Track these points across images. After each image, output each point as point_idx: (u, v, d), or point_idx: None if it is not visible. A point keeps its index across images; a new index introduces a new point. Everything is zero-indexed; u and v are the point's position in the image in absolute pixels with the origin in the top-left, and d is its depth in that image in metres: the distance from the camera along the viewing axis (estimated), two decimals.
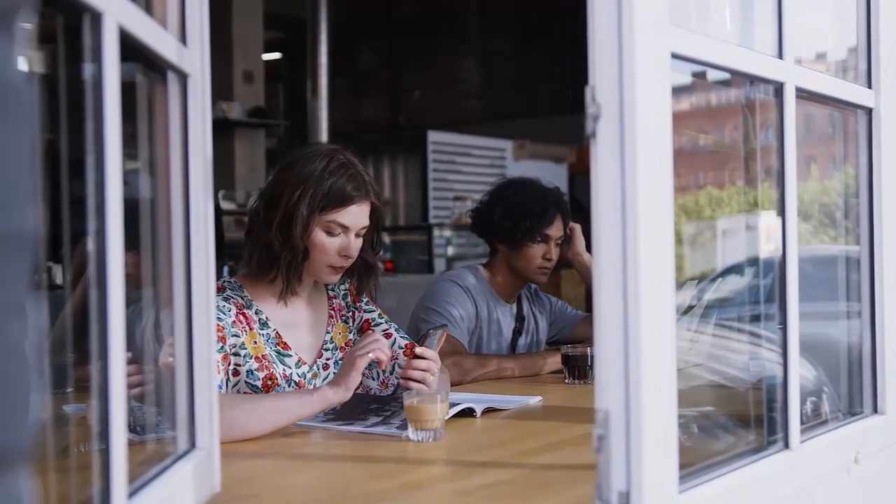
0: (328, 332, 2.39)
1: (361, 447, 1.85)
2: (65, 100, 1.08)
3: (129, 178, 1.13)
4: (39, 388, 0.58)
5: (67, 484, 1.20)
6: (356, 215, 2.25)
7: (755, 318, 2.00)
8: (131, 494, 1.11)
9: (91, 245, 1.05)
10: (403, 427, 1.93)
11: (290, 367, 2.26)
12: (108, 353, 1.03)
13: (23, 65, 0.58)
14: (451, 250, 7.70)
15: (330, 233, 2.23)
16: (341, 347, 2.40)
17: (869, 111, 1.84)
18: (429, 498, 1.54)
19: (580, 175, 8.33)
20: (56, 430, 1.32)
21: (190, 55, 1.39)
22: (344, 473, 1.71)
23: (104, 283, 1.03)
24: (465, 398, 2.25)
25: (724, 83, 1.77)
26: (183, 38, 1.38)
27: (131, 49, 1.13)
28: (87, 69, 1.04)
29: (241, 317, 2.20)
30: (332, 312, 2.42)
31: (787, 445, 1.54)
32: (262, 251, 2.24)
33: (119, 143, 1.05)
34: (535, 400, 2.39)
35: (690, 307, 2.22)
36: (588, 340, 3.00)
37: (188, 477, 1.32)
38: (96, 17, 1.01)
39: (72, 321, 1.86)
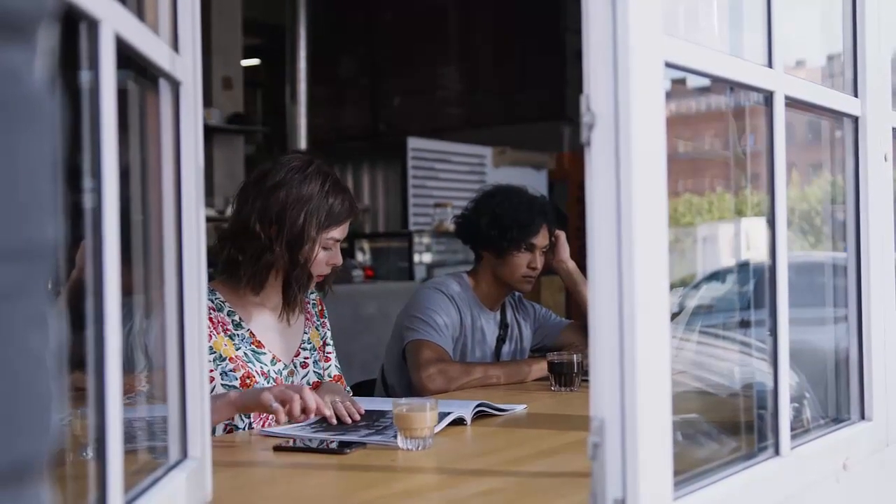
0: (305, 333, 2.46)
1: (351, 456, 1.84)
2: (59, 106, 1.07)
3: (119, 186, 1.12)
4: (59, 399, 0.58)
5: (61, 494, 1.18)
6: (346, 228, 2.37)
7: (739, 325, 2.01)
8: None
9: (81, 253, 1.04)
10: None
11: (266, 365, 2.31)
12: (104, 361, 1.02)
13: (44, 75, 0.57)
14: (431, 257, 7.70)
15: (325, 248, 2.33)
16: (318, 348, 2.48)
17: (855, 119, 1.85)
18: None
19: (559, 181, 8.36)
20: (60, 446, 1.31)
21: (182, 63, 1.38)
22: (335, 483, 1.70)
23: (100, 291, 1.02)
24: (453, 405, 2.25)
25: (703, 90, 1.78)
26: (175, 46, 1.37)
27: (124, 56, 1.13)
28: (84, 76, 1.03)
29: (208, 321, 2.22)
30: (308, 315, 2.49)
31: (777, 452, 1.54)
32: (265, 269, 2.29)
33: (115, 150, 1.04)
34: (521, 408, 2.39)
35: (674, 314, 2.23)
36: (572, 347, 3.00)
37: (181, 487, 1.31)
38: (93, 25, 1.01)
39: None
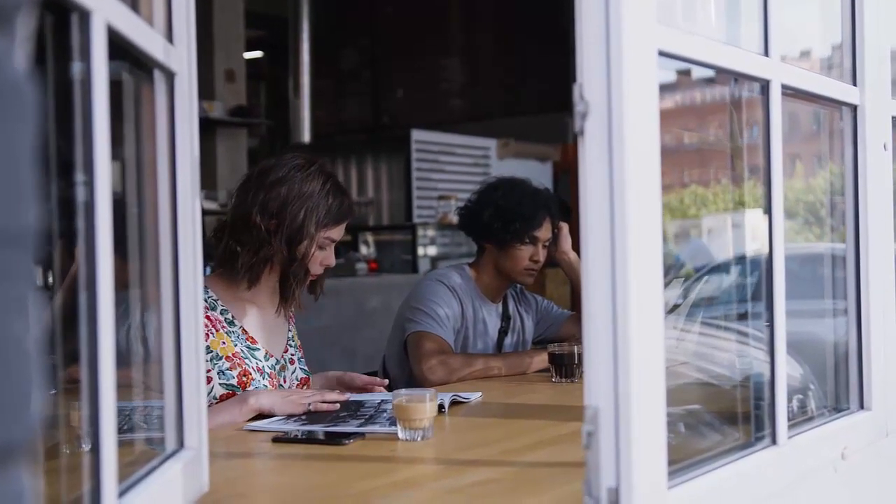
0: (290, 331, 2.50)
1: (350, 447, 1.85)
2: (51, 98, 1.07)
3: (113, 179, 1.12)
4: (40, 384, 0.58)
5: (56, 485, 1.19)
6: (343, 230, 2.40)
7: (741, 316, 2.01)
8: (121, 494, 1.10)
9: (77, 246, 1.04)
10: (393, 423, 1.93)
11: (260, 361, 2.34)
12: (97, 353, 1.02)
13: (23, 63, 0.58)
14: (435, 250, 7.70)
15: (321, 247, 2.35)
16: (299, 347, 2.53)
17: (854, 108, 1.85)
18: (419, 496, 1.54)
19: (564, 174, 8.35)
20: (42, 431, 1.32)
21: (177, 54, 1.38)
22: (332, 473, 1.70)
23: (93, 284, 1.02)
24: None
25: (709, 81, 1.78)
26: (170, 37, 1.37)
27: (118, 47, 1.13)
28: (75, 67, 1.03)
29: (206, 319, 2.24)
30: (291, 314, 2.53)
31: (774, 441, 1.54)
32: (263, 262, 2.31)
33: (108, 143, 1.05)
34: (475, 396, 2.40)
35: (676, 305, 2.23)
36: (574, 339, 3.00)
37: (177, 476, 1.32)
38: (84, 16, 1.01)
39: (56, 321, 1.86)
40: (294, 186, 2.30)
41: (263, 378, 2.31)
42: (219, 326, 2.29)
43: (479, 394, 2.43)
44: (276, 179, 2.30)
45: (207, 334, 2.24)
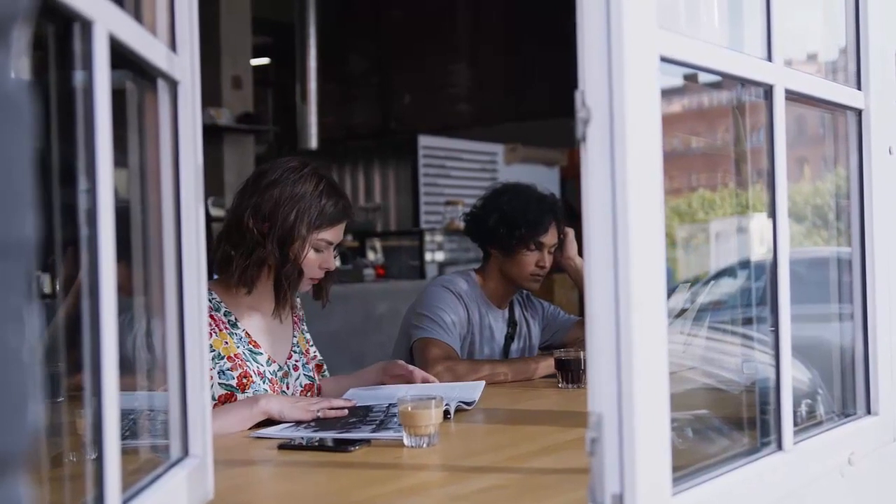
0: (294, 336, 2.50)
1: (356, 454, 1.85)
2: (54, 107, 1.08)
3: (117, 187, 1.13)
4: (37, 394, 0.58)
5: (61, 493, 1.19)
6: (340, 232, 2.40)
7: (748, 321, 2.00)
8: (125, 502, 1.11)
9: (83, 254, 1.05)
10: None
11: (262, 365, 2.34)
12: (100, 361, 1.03)
13: (20, 73, 0.58)
14: (442, 255, 7.70)
15: (317, 249, 2.35)
16: (304, 352, 2.51)
17: (858, 112, 1.84)
18: (424, 503, 1.54)
19: (571, 179, 8.34)
20: (48, 440, 1.32)
21: (180, 62, 1.38)
22: (338, 480, 1.70)
23: (96, 292, 1.02)
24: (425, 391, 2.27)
25: (715, 85, 1.77)
26: (173, 46, 1.37)
27: (121, 56, 1.13)
28: (77, 76, 1.04)
29: (210, 319, 2.24)
30: (296, 320, 2.53)
31: (780, 447, 1.54)
32: (256, 265, 2.31)
33: (110, 151, 1.05)
34: (479, 385, 2.44)
35: (683, 310, 2.22)
36: (581, 344, 2.99)
37: (182, 484, 1.32)
38: (87, 25, 1.01)
39: (62, 330, 1.86)
40: (286, 188, 2.30)
41: (264, 382, 2.31)
42: (222, 327, 2.30)
43: (482, 383, 2.45)
44: (269, 182, 2.32)
45: (210, 333, 2.24)
